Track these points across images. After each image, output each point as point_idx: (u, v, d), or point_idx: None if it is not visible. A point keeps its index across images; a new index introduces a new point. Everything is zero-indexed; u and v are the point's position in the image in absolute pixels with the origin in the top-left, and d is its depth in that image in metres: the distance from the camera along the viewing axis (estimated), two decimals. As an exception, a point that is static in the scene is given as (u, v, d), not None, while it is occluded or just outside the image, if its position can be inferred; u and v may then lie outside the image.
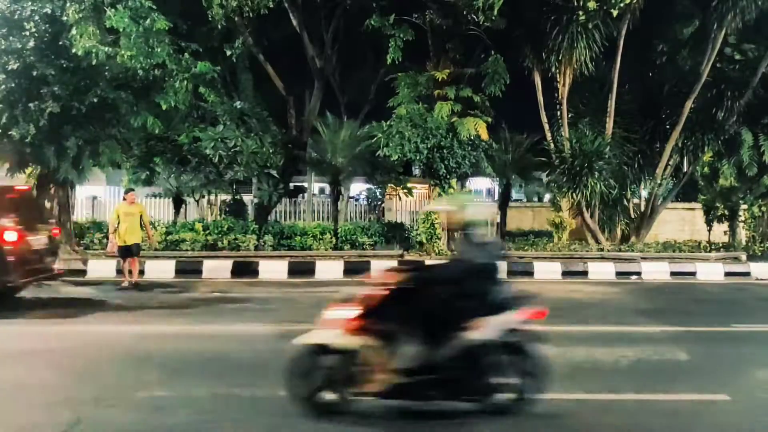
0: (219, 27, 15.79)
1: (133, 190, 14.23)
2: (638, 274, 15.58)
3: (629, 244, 18.05)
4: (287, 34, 19.58)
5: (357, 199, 24.73)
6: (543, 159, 18.80)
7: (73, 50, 12.94)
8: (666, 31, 18.79)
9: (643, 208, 19.72)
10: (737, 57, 17.74)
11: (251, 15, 15.87)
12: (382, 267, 15.32)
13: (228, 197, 20.67)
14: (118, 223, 12.64)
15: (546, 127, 18.26)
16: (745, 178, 19.57)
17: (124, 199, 13.58)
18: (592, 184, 16.83)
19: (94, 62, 13.05)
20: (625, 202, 19.51)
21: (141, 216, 13.07)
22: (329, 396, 5.45)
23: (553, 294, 12.83)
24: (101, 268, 14.72)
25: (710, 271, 15.81)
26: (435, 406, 5.69)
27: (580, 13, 15.68)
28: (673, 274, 15.60)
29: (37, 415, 5.50)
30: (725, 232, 20.23)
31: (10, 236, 10.01)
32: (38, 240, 10.98)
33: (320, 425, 5.34)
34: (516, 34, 17.50)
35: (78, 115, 13.98)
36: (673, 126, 18.09)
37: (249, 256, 16.05)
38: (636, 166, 18.87)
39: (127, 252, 12.81)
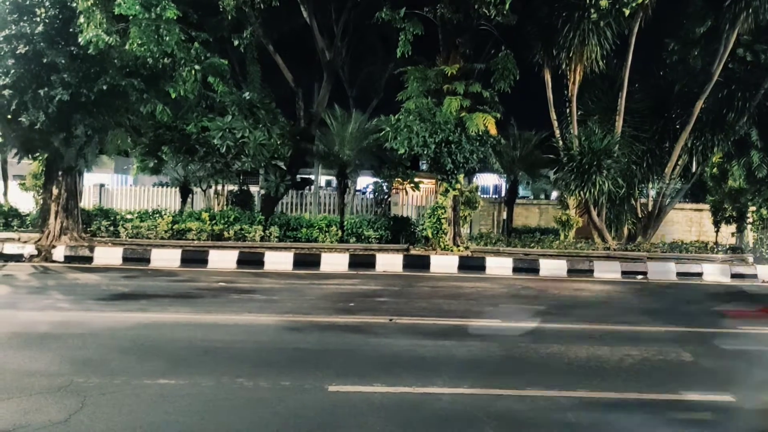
0: (229, 17, 15.76)
1: None
2: (644, 273, 15.53)
3: (636, 244, 18.00)
4: (297, 25, 19.55)
5: (363, 193, 24.72)
6: (551, 156, 18.76)
7: (79, 40, 12.94)
8: (678, 31, 18.70)
9: (650, 208, 19.66)
10: (749, 58, 17.61)
11: (262, 6, 15.85)
12: (387, 261, 15.36)
13: (235, 188, 20.69)
14: None
15: (555, 124, 18.21)
16: (754, 180, 19.47)
17: None
18: (600, 182, 16.77)
19: (90, 50, 12.97)
20: (633, 202, 19.46)
21: None
22: None
23: (558, 292, 12.82)
24: (108, 255, 14.79)
25: (716, 273, 15.76)
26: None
27: (592, 11, 15.60)
28: (679, 274, 15.55)
29: (43, 399, 5.53)
30: (732, 234, 20.14)
31: None
32: None
33: (324, 416, 5.36)
34: (527, 30, 17.46)
35: (87, 102, 14.01)
36: (682, 126, 18.01)
37: (255, 246, 16.08)
38: (644, 165, 18.78)
39: None
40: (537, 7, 16.93)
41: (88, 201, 21.32)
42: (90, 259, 14.64)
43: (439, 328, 8.91)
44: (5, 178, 20.81)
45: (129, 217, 17.45)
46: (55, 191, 15.56)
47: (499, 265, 15.47)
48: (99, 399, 5.59)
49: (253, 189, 21.24)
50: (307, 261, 15.14)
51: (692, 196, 23.57)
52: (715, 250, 18.03)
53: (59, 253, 14.76)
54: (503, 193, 25.20)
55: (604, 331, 9.19)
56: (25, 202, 19.48)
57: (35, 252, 14.82)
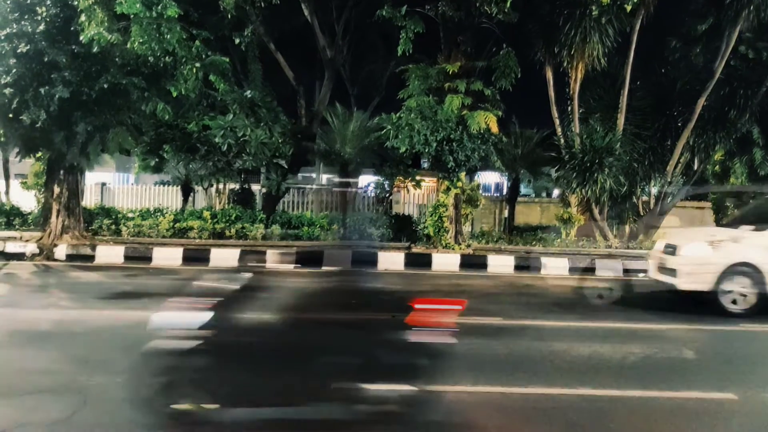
0: (230, 16, 15.76)
1: None
2: (646, 271, 15.49)
3: (637, 242, 17.97)
4: (298, 23, 19.52)
5: (365, 191, 24.76)
6: (552, 154, 18.72)
7: (80, 38, 12.95)
8: (679, 28, 18.69)
9: (652, 206, 19.63)
10: (751, 55, 17.57)
11: (263, 5, 15.85)
12: (389, 259, 15.31)
13: (236, 186, 20.71)
14: None
15: (556, 122, 18.18)
16: (756, 178, 19.44)
17: None
18: (602, 180, 16.76)
19: (94, 49, 13.01)
20: (635, 200, 19.43)
21: None
22: None
23: (560, 290, 12.82)
24: (110, 253, 14.79)
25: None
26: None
27: (594, 7, 15.57)
28: (681, 272, 15.50)
29: (44, 398, 5.53)
30: (734, 232, 20.07)
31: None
32: None
33: (326, 414, 5.35)
34: (528, 27, 17.42)
35: (88, 100, 14.02)
36: (684, 123, 17.98)
37: (256, 245, 16.07)
38: (646, 163, 18.76)
39: None
40: (538, 5, 16.89)
41: (89, 200, 21.35)
42: (92, 258, 14.65)
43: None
44: (7, 177, 20.82)
45: (130, 215, 17.46)
46: (56, 190, 15.56)
47: (501, 263, 15.45)
48: (101, 397, 5.59)
49: (255, 187, 21.25)
50: (308, 259, 15.13)
51: (694, 194, 23.55)
52: (718, 248, 17.96)
53: (61, 251, 14.76)
54: (505, 191, 25.21)
55: (606, 329, 9.18)
56: (27, 200, 19.50)
57: (37, 251, 14.83)
